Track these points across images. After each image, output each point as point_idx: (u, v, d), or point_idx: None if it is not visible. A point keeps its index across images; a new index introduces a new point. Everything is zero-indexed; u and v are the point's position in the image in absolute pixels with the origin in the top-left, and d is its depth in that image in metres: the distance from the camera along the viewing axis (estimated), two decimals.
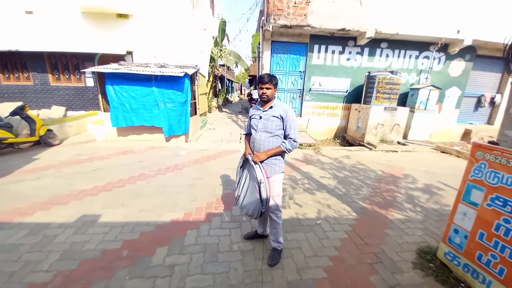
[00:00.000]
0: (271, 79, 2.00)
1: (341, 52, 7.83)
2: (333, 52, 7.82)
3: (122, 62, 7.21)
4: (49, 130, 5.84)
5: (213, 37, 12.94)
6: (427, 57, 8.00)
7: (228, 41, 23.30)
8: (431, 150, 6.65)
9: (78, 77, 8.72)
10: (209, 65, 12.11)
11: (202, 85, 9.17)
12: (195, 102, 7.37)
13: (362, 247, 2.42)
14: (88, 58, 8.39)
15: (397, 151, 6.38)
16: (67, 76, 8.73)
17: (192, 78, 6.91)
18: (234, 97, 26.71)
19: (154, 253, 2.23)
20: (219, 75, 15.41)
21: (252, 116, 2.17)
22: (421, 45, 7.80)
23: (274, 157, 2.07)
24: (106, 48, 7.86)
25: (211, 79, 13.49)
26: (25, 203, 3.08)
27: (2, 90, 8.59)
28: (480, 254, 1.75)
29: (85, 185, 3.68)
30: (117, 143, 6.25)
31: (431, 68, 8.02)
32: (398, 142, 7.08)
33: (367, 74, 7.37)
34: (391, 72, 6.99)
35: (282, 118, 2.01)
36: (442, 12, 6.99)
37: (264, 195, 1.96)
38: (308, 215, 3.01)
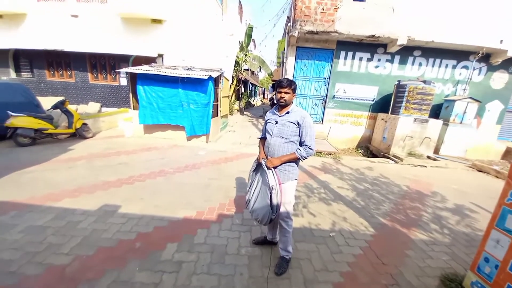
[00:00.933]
0: (290, 84, 1.97)
1: (370, 59, 7.54)
2: (360, 59, 7.56)
3: (153, 64, 7.64)
4: (84, 124, 6.36)
5: (239, 42, 13.24)
6: (465, 67, 7.39)
7: (255, 46, 23.68)
8: (465, 167, 6.06)
9: (113, 76, 9.43)
10: (234, 69, 12.38)
11: (225, 88, 9.39)
12: (217, 104, 7.56)
13: (378, 266, 2.26)
14: (123, 60, 9.04)
15: (426, 166, 5.92)
16: (104, 76, 9.48)
17: (216, 81, 7.11)
18: (257, 101, 26.95)
19: (164, 248, 2.29)
20: (243, 79, 15.68)
21: (268, 121, 2.15)
22: (459, 54, 7.22)
23: (287, 163, 2.03)
24: (140, 51, 8.41)
25: (234, 82, 13.76)
26: (56, 189, 3.37)
27: (47, 85, 9.57)
28: (510, 286, 1.54)
29: (110, 177, 3.93)
30: (143, 140, 6.61)
31: (470, 79, 7.38)
32: (428, 157, 6.57)
33: (396, 82, 6.99)
34: (424, 81, 6.56)
35: (299, 124, 1.97)
36: (483, 20, 6.43)
37: (275, 202, 1.92)
38: (321, 226, 2.90)
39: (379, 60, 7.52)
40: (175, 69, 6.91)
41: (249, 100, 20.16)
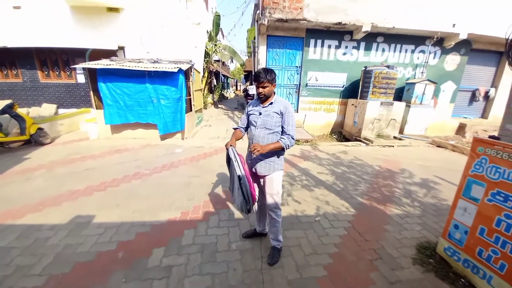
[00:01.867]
0: (266, 76, 1.87)
1: (338, 47, 7.77)
2: (329, 46, 7.75)
3: (113, 58, 7.00)
4: (40, 129, 5.67)
5: (207, 31, 12.71)
6: (422, 51, 8.00)
7: (223, 36, 22.95)
8: (426, 144, 6.69)
9: (68, 73, 8.47)
10: (204, 60, 11.91)
11: (197, 81, 9.02)
12: (190, 99, 7.24)
13: (362, 244, 2.40)
14: (78, 54, 8.13)
15: (393, 146, 6.40)
16: (57, 73, 8.47)
17: (186, 73, 6.77)
18: (230, 93, 26.50)
19: (150, 255, 2.17)
20: (214, 70, 15.20)
21: (250, 112, 2.09)
22: (417, 39, 7.78)
23: (273, 155, 2.01)
24: (97, 44, 7.62)
25: (206, 74, 13.29)
26: (15, 205, 2.98)
27: None
28: (481, 250, 1.75)
29: (78, 185, 3.58)
30: (111, 142, 6.12)
31: (427, 62, 8.02)
32: (395, 137, 7.11)
33: (363, 69, 7.34)
34: (387, 66, 6.97)
35: (282, 114, 1.95)
36: (439, 6, 6.96)
37: (245, 191, 1.83)
38: (307, 212, 2.99)
39: (346, 47, 7.78)
40: (140, 62, 6.41)
41: (222, 92, 19.71)
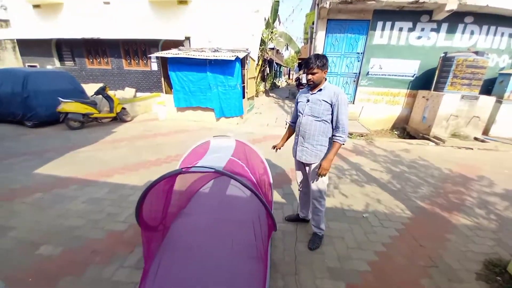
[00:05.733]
0: (316, 61, 1.80)
1: (411, 29, 6.75)
2: (400, 29, 6.80)
3: (181, 48, 7.77)
4: (123, 108, 6.86)
5: (265, 18, 12.68)
6: None
7: (280, 22, 22.52)
8: None
9: (145, 62, 9.84)
10: (259, 48, 12.03)
11: (251, 69, 9.25)
12: (244, 86, 7.54)
13: (416, 249, 2.21)
14: (153, 45, 9.32)
15: (472, 149, 5.38)
16: (137, 61, 9.93)
17: (242, 62, 7.03)
18: (282, 82, 26.20)
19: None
20: (268, 58, 15.22)
21: (299, 100, 2.08)
22: None
23: (319, 144, 1.98)
24: (168, 35, 8.56)
25: (260, 62, 13.44)
26: (106, 166, 3.79)
27: (88, 73, 10.35)
28: None
29: (150, 156, 4.28)
30: (175, 122, 6.96)
31: None
32: (476, 138, 5.94)
33: (442, 55, 6.22)
34: (476, 53, 5.73)
35: (332, 102, 1.86)
36: None
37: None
38: (354, 207, 2.88)
39: (422, 29, 6.69)
40: (202, 51, 6.96)
41: (274, 81, 19.67)
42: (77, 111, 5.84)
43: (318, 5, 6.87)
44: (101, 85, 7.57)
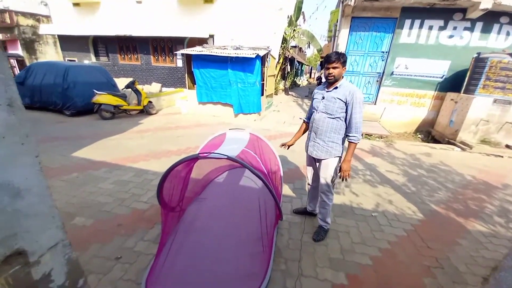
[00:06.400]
0: (339, 57, 1.85)
1: (442, 28, 6.39)
2: (430, 28, 6.47)
3: (205, 45, 8.08)
4: (150, 102, 7.33)
5: (288, 16, 12.63)
6: None
7: (304, 20, 22.20)
8: None
9: (171, 58, 10.34)
10: (281, 46, 12.02)
11: (271, 67, 9.33)
12: (263, 83, 7.66)
13: (422, 249, 2.21)
14: (179, 42, 9.76)
15: (502, 156, 5.02)
16: (164, 58, 10.47)
17: (263, 59, 7.15)
18: (303, 80, 25.84)
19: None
20: (289, 56, 15.13)
21: (315, 97, 2.15)
22: None
23: (331, 140, 2.03)
24: (194, 32, 8.93)
25: (281, 60, 13.42)
26: (133, 153, 4.15)
27: (119, 68, 11.11)
28: None
29: (171, 147, 4.59)
30: (196, 117, 7.29)
31: None
32: (507, 146, 5.51)
33: (475, 55, 5.83)
34: (511, 54, 5.31)
35: (346, 100, 1.89)
36: None
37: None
38: (363, 206, 2.90)
39: (454, 28, 6.31)
40: (225, 49, 7.18)
41: (295, 79, 19.49)
42: (109, 103, 6.37)
43: (342, 2, 6.76)
44: (131, 79, 8.13)
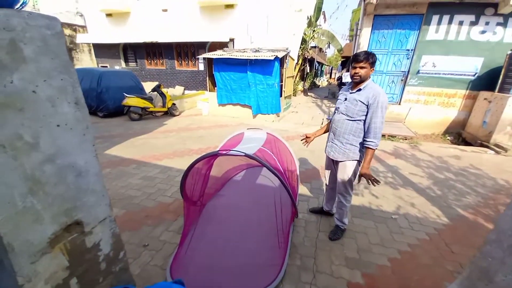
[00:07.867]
0: (368, 57, 1.77)
1: (473, 23, 5.99)
2: (460, 23, 6.10)
3: (225, 49, 8.34)
4: (174, 104, 7.72)
5: (307, 17, 12.58)
6: None
7: (325, 19, 21.85)
8: None
9: (193, 62, 10.79)
10: (300, 47, 11.99)
11: (290, 68, 9.34)
12: (281, 85, 7.71)
13: (445, 253, 2.13)
14: (201, 46, 10.16)
15: None
16: (187, 62, 10.96)
17: (281, 61, 7.21)
18: (323, 81, 25.35)
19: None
20: (309, 57, 15.00)
21: (339, 98, 2.10)
22: None
23: (349, 142, 1.98)
24: (215, 37, 9.24)
25: (300, 61, 13.37)
26: (158, 152, 4.43)
27: (147, 72, 11.81)
28: None
29: (193, 146, 4.83)
30: (216, 118, 7.55)
31: None
32: None
33: (509, 52, 5.39)
34: None
35: (368, 103, 1.80)
36: None
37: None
38: (383, 208, 2.84)
39: (487, 23, 5.87)
40: (244, 51, 7.37)
41: (314, 80, 19.23)
42: (137, 105, 6.84)
43: (364, 0, 6.61)
44: (156, 83, 8.62)
